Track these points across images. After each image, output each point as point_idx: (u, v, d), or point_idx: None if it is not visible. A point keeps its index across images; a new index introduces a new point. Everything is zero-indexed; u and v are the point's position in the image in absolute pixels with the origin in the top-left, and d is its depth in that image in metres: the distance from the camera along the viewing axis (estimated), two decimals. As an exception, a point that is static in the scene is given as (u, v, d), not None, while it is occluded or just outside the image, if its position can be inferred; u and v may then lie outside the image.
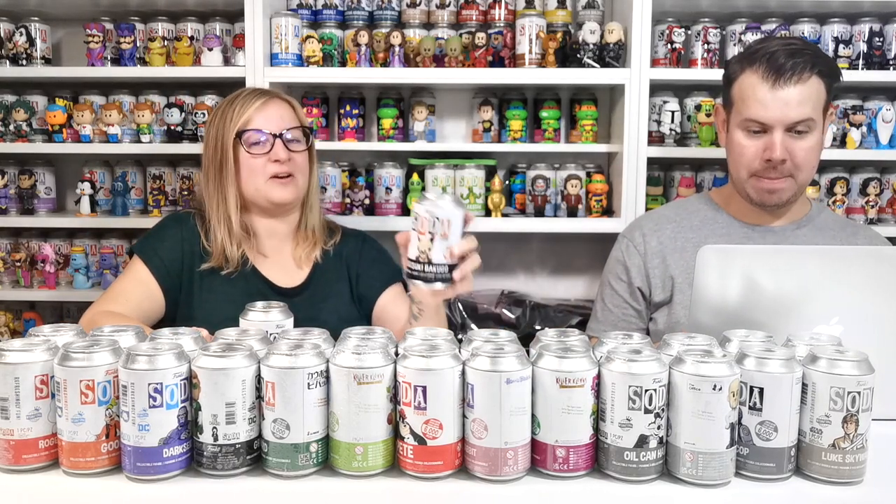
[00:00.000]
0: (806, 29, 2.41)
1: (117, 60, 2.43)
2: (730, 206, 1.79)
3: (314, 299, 1.70)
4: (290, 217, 1.74)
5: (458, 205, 1.25)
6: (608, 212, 2.44)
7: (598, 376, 1.00)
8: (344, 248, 1.78)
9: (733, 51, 2.39)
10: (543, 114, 2.48)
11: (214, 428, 0.98)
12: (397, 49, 2.36)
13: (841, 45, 2.38)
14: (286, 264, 1.73)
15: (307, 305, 1.66)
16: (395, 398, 1.00)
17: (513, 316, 2.50)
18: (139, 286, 1.63)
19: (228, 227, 1.66)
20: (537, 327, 2.43)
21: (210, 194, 1.69)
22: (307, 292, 1.70)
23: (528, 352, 1.04)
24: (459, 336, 1.18)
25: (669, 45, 2.39)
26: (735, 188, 1.74)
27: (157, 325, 1.63)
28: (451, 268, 1.26)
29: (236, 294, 1.63)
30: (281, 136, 1.65)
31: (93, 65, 2.40)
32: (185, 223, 1.71)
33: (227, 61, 2.43)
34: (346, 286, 1.75)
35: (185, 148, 2.42)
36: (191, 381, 0.99)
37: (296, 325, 1.24)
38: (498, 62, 2.39)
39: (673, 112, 2.42)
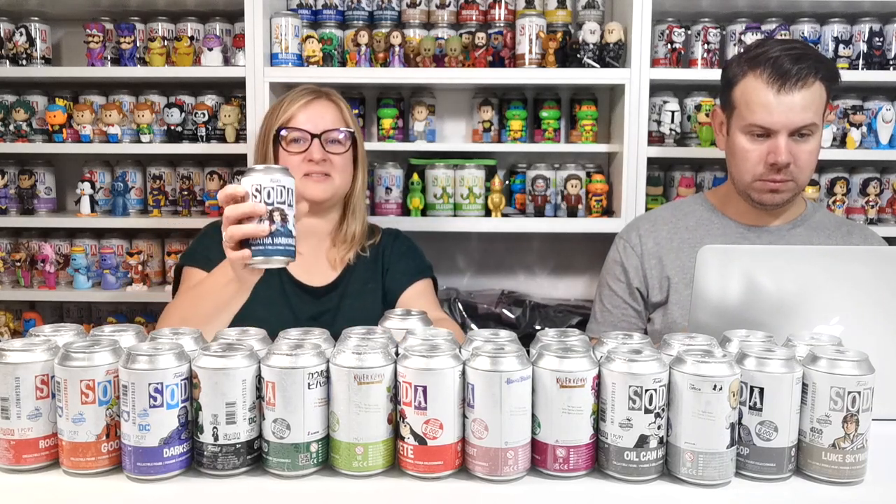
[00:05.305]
0: (806, 29, 2.41)
1: (117, 60, 2.44)
2: (726, 207, 1.78)
3: (343, 296, 1.71)
4: (328, 217, 1.75)
5: None
6: (608, 212, 2.44)
7: (599, 376, 1.00)
8: (380, 247, 1.79)
9: (733, 51, 2.40)
10: (543, 114, 2.48)
11: (215, 428, 0.98)
12: (397, 49, 2.36)
13: (841, 45, 2.38)
14: (319, 264, 1.73)
15: (335, 302, 1.68)
16: (395, 398, 1.00)
17: (513, 316, 2.50)
18: None
19: None
20: (537, 327, 2.43)
21: None
22: (336, 290, 1.71)
23: (528, 352, 1.04)
24: (460, 336, 1.18)
25: (669, 45, 2.39)
26: (735, 189, 1.74)
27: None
28: None
29: (265, 291, 1.63)
30: (320, 136, 1.66)
31: (93, 65, 2.41)
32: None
33: (227, 61, 2.43)
34: (379, 284, 1.76)
35: (185, 148, 2.43)
36: (191, 381, 0.99)
37: (322, 321, 1.24)
38: (498, 62, 2.39)
39: (673, 112, 2.42)
